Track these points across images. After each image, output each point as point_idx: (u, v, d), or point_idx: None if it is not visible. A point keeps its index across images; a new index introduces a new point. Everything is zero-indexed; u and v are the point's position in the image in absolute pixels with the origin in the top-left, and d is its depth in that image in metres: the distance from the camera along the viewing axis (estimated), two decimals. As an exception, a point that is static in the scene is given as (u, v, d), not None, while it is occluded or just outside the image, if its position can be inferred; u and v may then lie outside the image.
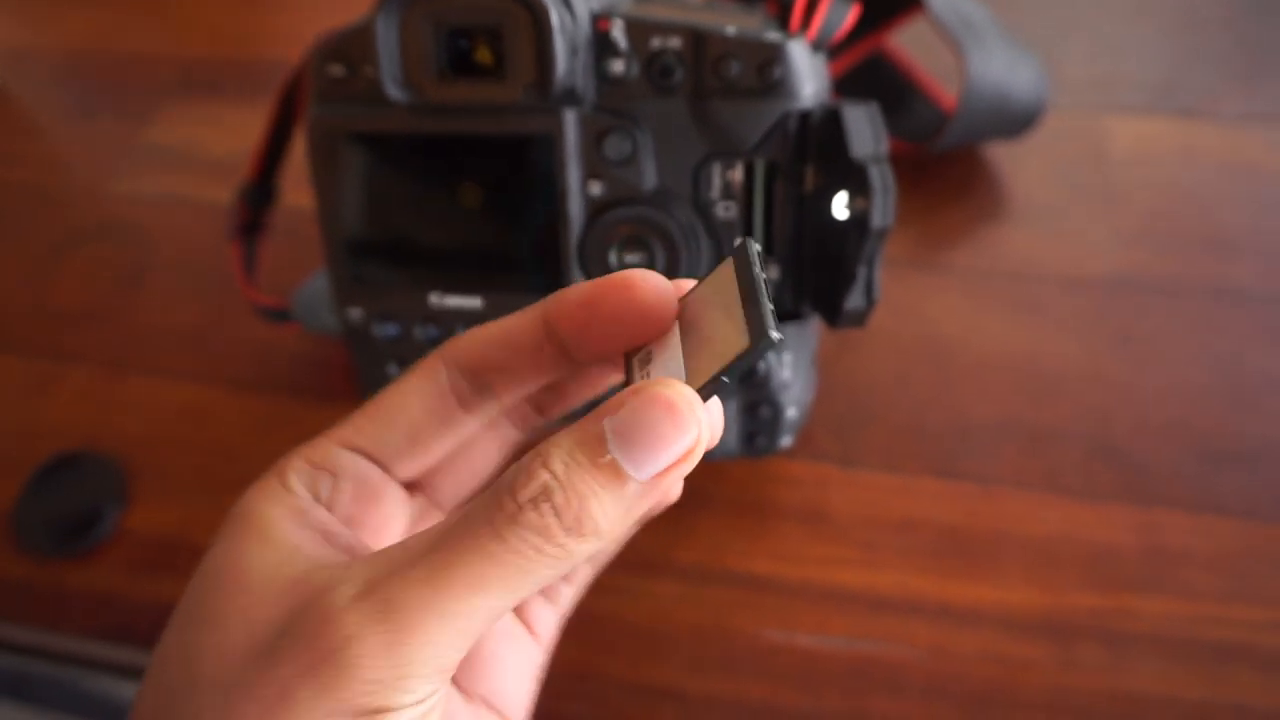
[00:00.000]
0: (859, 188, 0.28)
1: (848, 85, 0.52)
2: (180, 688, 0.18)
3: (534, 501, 0.17)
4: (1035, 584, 0.37)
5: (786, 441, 0.36)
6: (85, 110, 0.61)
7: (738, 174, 0.31)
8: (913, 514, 0.39)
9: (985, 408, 0.41)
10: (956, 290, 0.45)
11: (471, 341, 0.21)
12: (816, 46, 0.31)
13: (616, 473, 0.17)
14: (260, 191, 0.44)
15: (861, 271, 0.30)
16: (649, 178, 0.31)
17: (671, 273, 0.31)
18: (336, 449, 0.21)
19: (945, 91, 0.51)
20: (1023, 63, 0.47)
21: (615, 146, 0.30)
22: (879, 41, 0.51)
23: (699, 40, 0.29)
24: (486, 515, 0.17)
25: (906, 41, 0.52)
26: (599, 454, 0.17)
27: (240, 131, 0.57)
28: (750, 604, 0.37)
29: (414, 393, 0.21)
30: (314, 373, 0.46)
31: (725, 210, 0.31)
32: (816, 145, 0.30)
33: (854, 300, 0.30)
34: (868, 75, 0.53)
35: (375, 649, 0.16)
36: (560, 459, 0.17)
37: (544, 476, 0.17)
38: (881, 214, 0.28)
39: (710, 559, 0.38)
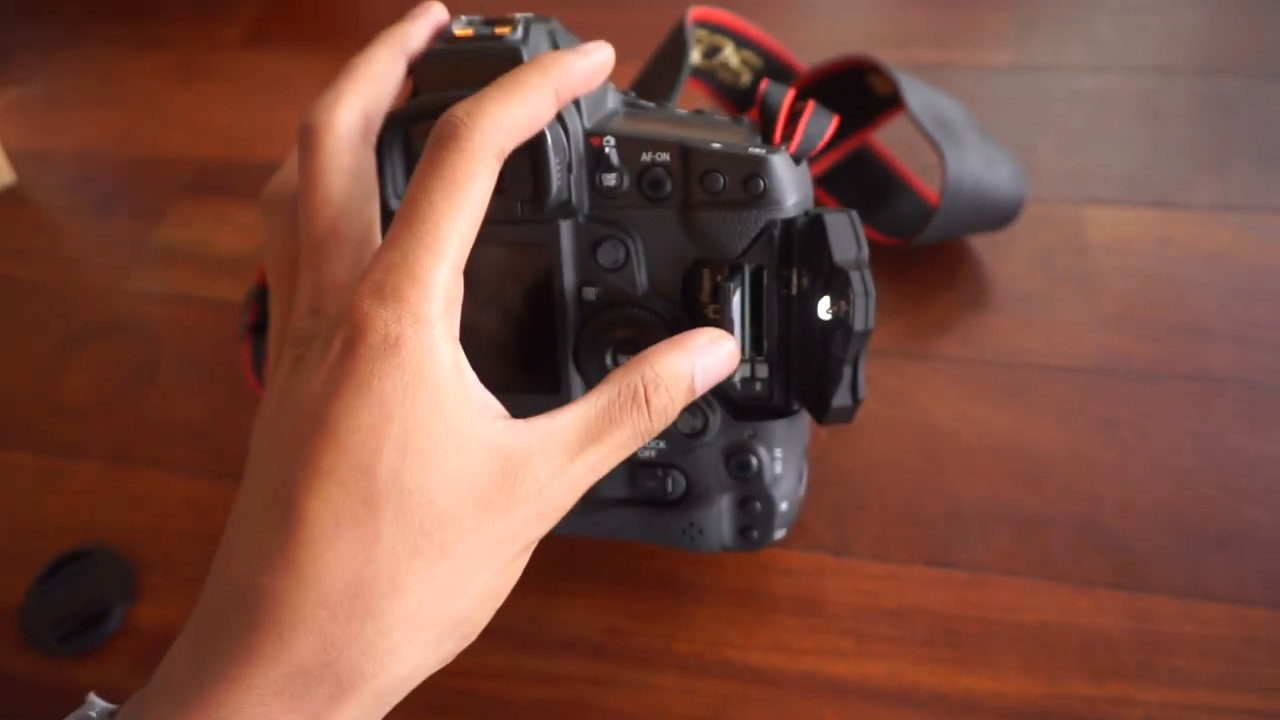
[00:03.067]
0: (841, 292, 0.30)
1: (834, 180, 0.54)
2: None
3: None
4: (1029, 673, 0.37)
5: (780, 534, 0.37)
6: (100, 210, 0.63)
7: (727, 279, 0.32)
8: (905, 603, 0.39)
9: (975, 494, 0.42)
10: (944, 378, 0.47)
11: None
12: (798, 158, 0.32)
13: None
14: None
15: (846, 371, 0.31)
16: (641, 282, 0.32)
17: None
18: None
19: (928, 186, 0.53)
20: (1000, 160, 0.49)
21: (609, 254, 0.32)
22: (863, 139, 0.53)
23: (686, 155, 0.31)
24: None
25: (890, 137, 0.54)
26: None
27: (249, 231, 0.59)
28: (747, 697, 0.37)
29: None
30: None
31: (715, 312, 0.32)
32: (801, 250, 0.31)
33: (840, 399, 0.31)
34: (853, 170, 0.55)
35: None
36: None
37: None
38: (863, 318, 0.29)
39: (708, 651, 0.39)
